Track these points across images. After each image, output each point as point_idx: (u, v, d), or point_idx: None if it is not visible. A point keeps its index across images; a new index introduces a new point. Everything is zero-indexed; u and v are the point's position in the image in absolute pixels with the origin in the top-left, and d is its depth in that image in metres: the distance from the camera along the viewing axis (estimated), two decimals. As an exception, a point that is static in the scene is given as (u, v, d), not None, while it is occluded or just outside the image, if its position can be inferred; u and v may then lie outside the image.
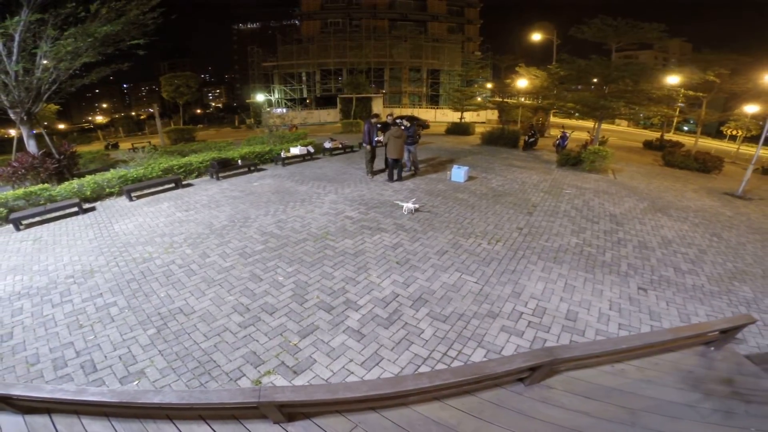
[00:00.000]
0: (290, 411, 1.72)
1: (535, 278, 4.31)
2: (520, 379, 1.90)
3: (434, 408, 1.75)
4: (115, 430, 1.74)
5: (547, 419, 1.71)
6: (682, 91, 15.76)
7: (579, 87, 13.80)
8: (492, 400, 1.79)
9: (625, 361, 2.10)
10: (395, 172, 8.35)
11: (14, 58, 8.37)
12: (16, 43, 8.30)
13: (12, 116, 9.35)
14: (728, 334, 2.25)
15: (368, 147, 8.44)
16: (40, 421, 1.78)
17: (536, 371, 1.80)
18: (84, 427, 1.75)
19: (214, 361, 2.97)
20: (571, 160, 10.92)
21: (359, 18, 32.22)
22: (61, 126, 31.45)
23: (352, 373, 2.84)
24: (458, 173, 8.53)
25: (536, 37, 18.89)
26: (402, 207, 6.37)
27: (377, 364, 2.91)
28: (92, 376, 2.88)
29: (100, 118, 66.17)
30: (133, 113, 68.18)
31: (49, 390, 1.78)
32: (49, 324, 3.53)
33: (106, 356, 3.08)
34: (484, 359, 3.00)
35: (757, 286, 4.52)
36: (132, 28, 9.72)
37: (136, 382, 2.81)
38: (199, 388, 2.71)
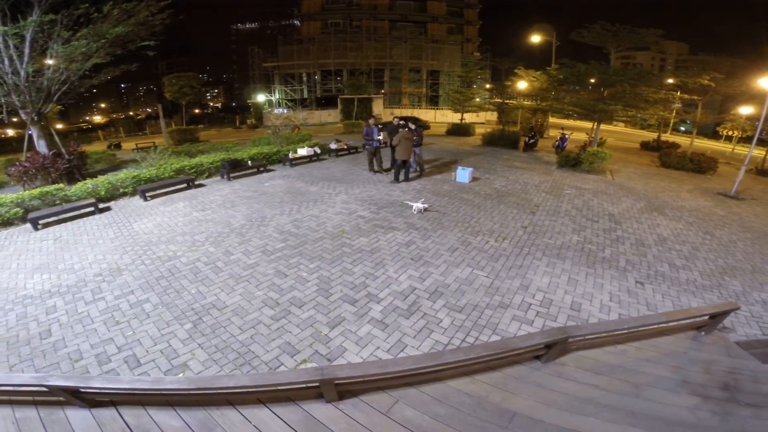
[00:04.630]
0: (342, 389, 1.89)
1: (541, 273, 4.61)
2: (537, 358, 2.19)
3: (465, 382, 2.02)
4: (182, 418, 1.79)
5: (562, 390, 1.99)
6: (679, 93, 16.13)
7: (577, 88, 14.11)
8: (514, 375, 2.07)
9: (626, 342, 2.39)
10: (402, 172, 8.63)
11: (25, 59, 8.52)
12: (27, 44, 8.45)
13: (23, 116, 9.50)
14: (716, 319, 2.54)
15: (375, 142, 9.15)
16: (107, 413, 1.81)
17: (552, 348, 2.08)
18: (151, 417, 1.80)
19: (253, 352, 3.19)
20: (571, 161, 11.23)
21: (359, 19, 32.40)
22: (59, 126, 31.34)
23: (380, 359, 3.10)
24: (463, 174, 8.82)
25: (535, 38, 19.20)
26: (411, 207, 6.64)
27: (402, 351, 3.18)
28: (137, 371, 2.97)
29: (98, 118, 65.73)
30: (131, 113, 67.84)
31: (127, 381, 1.83)
32: (85, 321, 3.63)
33: (147, 351, 3.20)
34: (509, 336, 3.31)
35: (746, 280, 4.83)
36: (141, 29, 9.90)
37: (181, 374, 2.94)
38: (266, 372, 2.82)
